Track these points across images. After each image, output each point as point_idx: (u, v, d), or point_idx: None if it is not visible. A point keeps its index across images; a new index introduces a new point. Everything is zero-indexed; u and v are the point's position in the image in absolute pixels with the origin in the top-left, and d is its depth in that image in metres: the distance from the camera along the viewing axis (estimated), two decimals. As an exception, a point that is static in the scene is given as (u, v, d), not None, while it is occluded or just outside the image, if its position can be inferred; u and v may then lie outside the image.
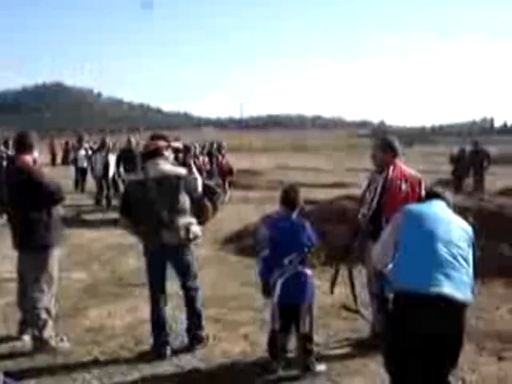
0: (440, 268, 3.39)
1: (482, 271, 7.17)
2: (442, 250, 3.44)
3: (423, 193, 4.98)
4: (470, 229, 3.68)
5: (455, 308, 3.39)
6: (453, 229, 3.56)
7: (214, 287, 7.04)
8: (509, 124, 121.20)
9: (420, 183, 5.13)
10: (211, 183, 11.08)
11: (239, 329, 5.70)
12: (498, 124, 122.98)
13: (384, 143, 5.31)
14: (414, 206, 3.84)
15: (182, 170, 5.10)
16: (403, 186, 5.04)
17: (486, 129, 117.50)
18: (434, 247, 3.44)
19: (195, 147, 15.33)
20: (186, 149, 11.51)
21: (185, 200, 5.02)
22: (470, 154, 15.87)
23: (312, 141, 73.58)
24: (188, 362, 4.93)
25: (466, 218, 3.86)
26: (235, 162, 19.90)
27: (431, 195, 3.91)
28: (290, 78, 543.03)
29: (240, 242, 9.75)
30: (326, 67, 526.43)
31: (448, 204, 3.81)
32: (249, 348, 5.20)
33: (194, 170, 5.37)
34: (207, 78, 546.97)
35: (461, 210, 5.68)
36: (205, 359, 4.96)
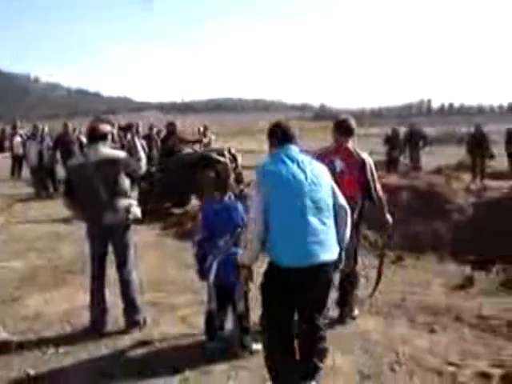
0: (313, 237, 3.56)
1: (416, 247, 7.48)
2: (313, 218, 3.59)
3: (368, 174, 5.16)
4: (322, 168, 3.82)
5: (328, 268, 3.68)
6: (316, 187, 3.67)
7: (153, 271, 7.02)
8: (446, 105, 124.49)
9: (364, 164, 5.22)
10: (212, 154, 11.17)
11: (177, 311, 5.71)
12: (435, 105, 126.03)
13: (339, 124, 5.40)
14: (273, 170, 3.65)
15: (121, 153, 5.23)
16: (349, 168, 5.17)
17: (423, 110, 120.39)
18: (305, 218, 3.57)
19: (138, 125, 15.14)
20: (128, 127, 11.35)
21: (124, 182, 5.13)
22: (405, 134, 16.26)
23: (251, 124, 73.66)
24: (125, 345, 4.92)
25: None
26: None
27: (282, 140, 3.84)
28: (233, 61, 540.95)
29: (181, 226, 9.70)
30: (266, 50, 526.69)
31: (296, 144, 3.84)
32: (187, 330, 5.21)
33: (139, 147, 5.51)
34: (148, 61, 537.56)
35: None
36: (142, 342, 4.95)
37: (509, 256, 6.85)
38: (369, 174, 5.19)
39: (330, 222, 3.71)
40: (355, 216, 4.98)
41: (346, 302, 5.39)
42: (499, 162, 16.67)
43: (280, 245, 3.57)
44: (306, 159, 3.79)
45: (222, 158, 10.89)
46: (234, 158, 11.43)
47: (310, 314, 3.81)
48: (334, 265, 3.74)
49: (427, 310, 5.70)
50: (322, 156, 5.06)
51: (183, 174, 11.01)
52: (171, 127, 12.55)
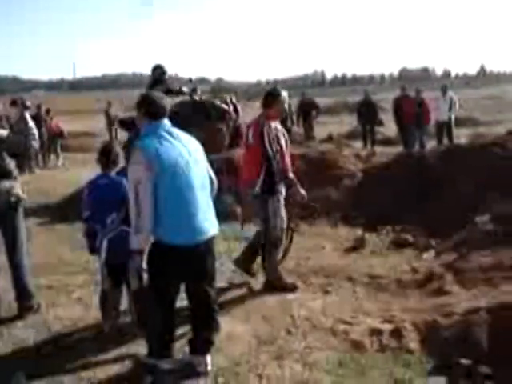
0: (202, 214, 3.66)
1: (310, 213, 7.69)
2: (200, 195, 3.67)
3: None
4: (196, 143, 3.84)
5: (213, 241, 3.87)
6: (198, 163, 3.72)
7: (46, 254, 6.81)
8: (339, 76, 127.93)
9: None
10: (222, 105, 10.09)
11: (73, 293, 5.59)
12: (329, 76, 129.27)
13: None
14: (157, 149, 3.50)
15: (2, 132, 4.97)
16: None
17: (318, 81, 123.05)
18: (195, 195, 3.62)
19: (24, 100, 14.42)
20: (14, 102, 10.78)
21: (8, 163, 4.90)
22: (298, 104, 16.57)
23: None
24: (19, 330, 4.78)
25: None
26: (67, 124, 19.20)
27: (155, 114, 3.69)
28: (127, 35, 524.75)
29: (72, 206, 9.39)
30: (162, 21, 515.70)
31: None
32: (83, 311, 5.12)
33: (30, 123, 5.42)
34: (36, 37, 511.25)
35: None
36: (37, 327, 4.82)
37: (397, 217, 7.20)
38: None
39: (210, 196, 3.83)
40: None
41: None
42: (391, 129, 17.34)
43: (172, 224, 3.54)
44: (182, 134, 3.77)
45: (225, 106, 9.99)
46: (235, 109, 10.22)
47: (201, 289, 3.85)
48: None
49: (321, 272, 5.92)
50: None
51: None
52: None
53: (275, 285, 5.43)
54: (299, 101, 16.82)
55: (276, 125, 5.46)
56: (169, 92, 9.99)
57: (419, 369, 3.94)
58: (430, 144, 13.45)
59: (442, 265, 5.74)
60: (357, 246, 6.84)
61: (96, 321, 4.76)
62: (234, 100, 10.46)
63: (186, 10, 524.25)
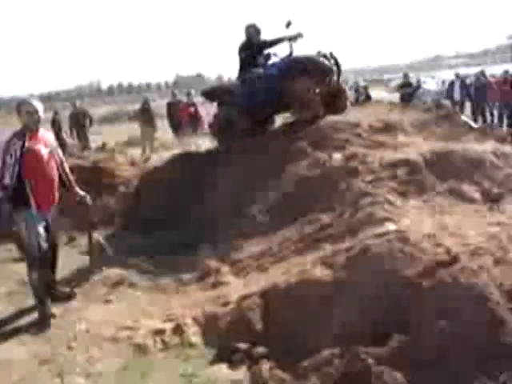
0: None
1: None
2: None
3: None
4: None
5: None
6: None
7: None
8: (115, 85, 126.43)
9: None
10: None
11: None
12: (104, 86, 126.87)
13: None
14: None
15: None
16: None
17: (94, 91, 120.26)
18: None
19: None
20: None
21: None
22: (70, 116, 16.07)
23: None
24: None
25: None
26: None
27: None
28: None
29: None
30: None
31: None
32: None
33: None
34: None
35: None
36: None
37: (173, 220, 7.28)
38: None
39: None
40: None
41: None
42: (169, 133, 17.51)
43: None
44: None
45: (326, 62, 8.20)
46: (336, 64, 8.42)
47: None
48: None
49: (100, 283, 5.81)
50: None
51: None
52: None
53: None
54: (71, 112, 16.29)
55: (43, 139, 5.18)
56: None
57: (201, 361, 4.07)
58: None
59: (219, 258, 5.96)
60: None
61: None
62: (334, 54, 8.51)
63: None
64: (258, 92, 8.18)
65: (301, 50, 8.41)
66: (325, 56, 8.23)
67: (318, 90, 7.91)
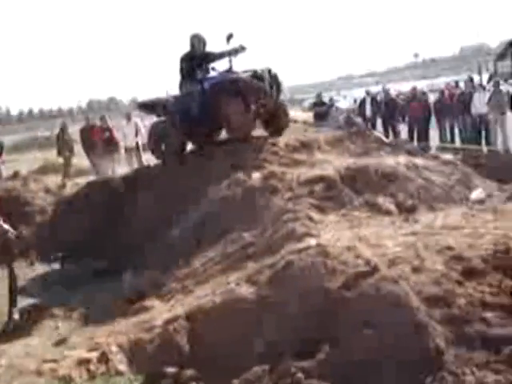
0: None
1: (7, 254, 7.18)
2: None
3: None
4: None
5: None
6: None
7: None
8: (26, 111, 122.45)
9: None
10: None
11: None
12: (14, 113, 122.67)
13: None
14: None
15: None
16: None
17: (4, 119, 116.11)
18: None
19: None
20: None
21: None
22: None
23: None
24: None
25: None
26: None
27: None
28: None
29: None
30: None
31: None
32: None
33: None
34: None
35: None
36: None
37: (91, 245, 7.12)
38: None
39: None
40: None
41: None
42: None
43: None
44: None
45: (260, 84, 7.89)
46: (276, 82, 8.23)
47: None
48: None
49: (18, 315, 5.61)
50: None
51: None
52: None
53: None
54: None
55: None
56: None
57: (129, 388, 3.98)
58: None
59: (147, 283, 5.87)
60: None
61: None
62: (273, 72, 8.42)
63: None
64: (192, 109, 8.05)
65: (241, 64, 8.38)
66: (261, 74, 8.05)
67: (251, 110, 7.85)
